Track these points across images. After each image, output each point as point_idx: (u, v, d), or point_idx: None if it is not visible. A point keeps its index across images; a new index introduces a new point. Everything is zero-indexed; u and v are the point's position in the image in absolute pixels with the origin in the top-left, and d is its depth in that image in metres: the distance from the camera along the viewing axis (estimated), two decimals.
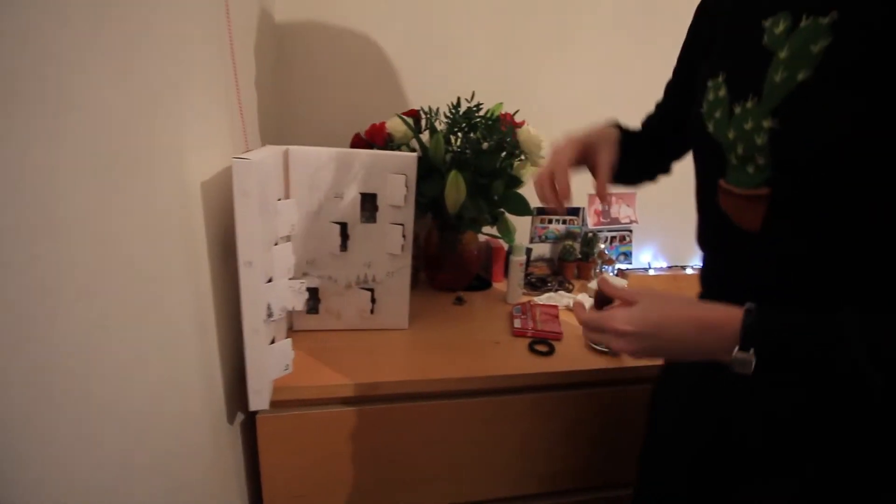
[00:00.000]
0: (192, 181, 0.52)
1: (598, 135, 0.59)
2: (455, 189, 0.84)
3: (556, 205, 0.55)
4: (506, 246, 1.11)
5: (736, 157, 0.45)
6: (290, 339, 0.66)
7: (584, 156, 0.58)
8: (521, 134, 0.92)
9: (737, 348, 0.38)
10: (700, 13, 0.57)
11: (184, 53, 0.50)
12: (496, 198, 0.93)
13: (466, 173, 0.88)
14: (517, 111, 1.00)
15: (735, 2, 0.51)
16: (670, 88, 0.63)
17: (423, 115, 0.96)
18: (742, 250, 0.46)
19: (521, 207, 0.94)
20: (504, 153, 0.93)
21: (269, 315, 0.60)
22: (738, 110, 0.45)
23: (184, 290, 0.50)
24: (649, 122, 0.67)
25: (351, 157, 0.76)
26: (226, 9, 0.61)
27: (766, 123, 0.42)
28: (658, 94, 0.65)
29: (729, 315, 0.39)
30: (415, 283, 1.07)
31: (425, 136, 0.95)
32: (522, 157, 0.94)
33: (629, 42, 1.16)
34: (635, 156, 0.61)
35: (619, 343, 0.44)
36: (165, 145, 0.46)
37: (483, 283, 1.13)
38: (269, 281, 0.61)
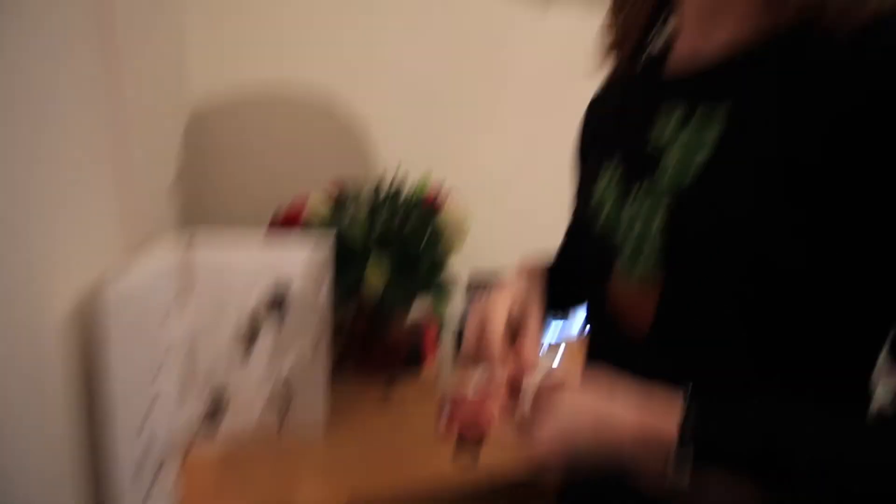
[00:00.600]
0: (56, 294, 0.45)
1: (528, 289, 0.53)
2: (376, 277, 0.81)
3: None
4: (437, 321, 1.09)
5: (628, 246, 0.44)
6: (170, 479, 0.58)
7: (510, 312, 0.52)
8: (445, 217, 0.91)
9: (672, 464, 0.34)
10: (581, 133, 0.59)
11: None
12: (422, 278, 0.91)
13: (390, 252, 0.85)
14: (444, 180, 0.99)
15: (624, 96, 0.52)
16: (571, 223, 0.64)
17: (346, 196, 0.94)
18: (630, 361, 0.44)
19: (449, 294, 0.92)
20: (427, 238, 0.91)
21: (146, 455, 0.52)
22: (632, 195, 0.44)
23: (29, 436, 0.42)
24: (563, 251, 0.66)
25: (257, 249, 0.71)
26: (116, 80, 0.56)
27: (663, 204, 0.41)
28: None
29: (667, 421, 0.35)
30: (339, 373, 1.00)
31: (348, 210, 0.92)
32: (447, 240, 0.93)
33: (555, 107, 1.20)
34: (562, 291, 0.59)
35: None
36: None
37: (414, 360, 1.08)
38: (152, 403, 0.54)
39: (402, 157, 1.06)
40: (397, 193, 0.92)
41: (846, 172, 0.33)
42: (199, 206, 0.97)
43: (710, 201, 0.38)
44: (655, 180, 0.42)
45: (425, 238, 0.91)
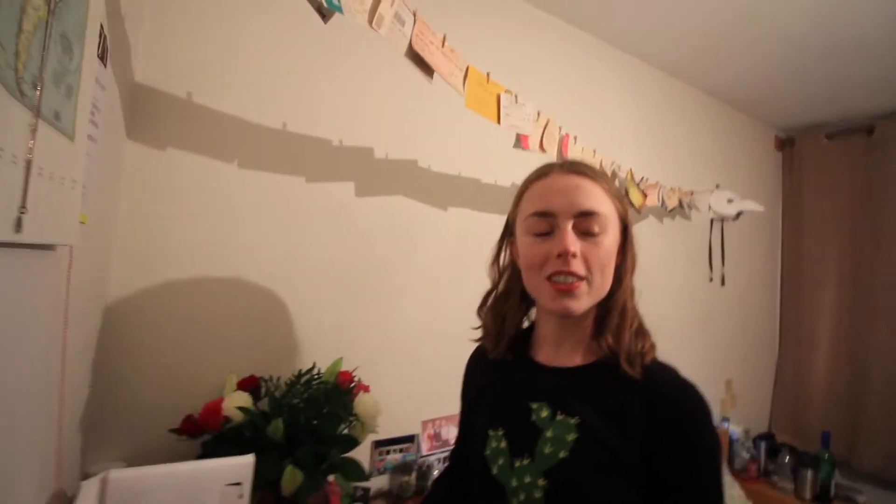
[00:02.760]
0: None
1: None
2: (292, 481, 0.86)
3: None
4: (342, 491, 1.13)
5: (518, 502, 0.58)
6: None
7: None
8: (359, 405, 1.01)
9: None
10: (465, 380, 0.78)
11: None
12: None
13: (305, 451, 0.92)
14: (356, 368, 1.11)
15: (501, 378, 0.70)
16: (458, 447, 0.80)
17: (264, 384, 1.00)
18: None
19: (357, 474, 0.99)
20: (341, 422, 1.00)
21: None
22: (517, 464, 0.60)
23: None
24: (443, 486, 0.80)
25: (175, 475, 0.74)
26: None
27: (541, 482, 0.56)
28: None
29: None
30: None
31: (264, 403, 0.98)
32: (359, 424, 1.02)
33: (448, 288, 1.42)
34: None
35: None
36: None
37: None
38: None
39: (317, 345, 1.16)
40: (316, 379, 1.00)
41: (647, 462, 0.54)
42: (106, 415, 0.93)
43: (573, 484, 0.56)
44: (535, 462, 0.59)
45: (340, 425, 1.00)
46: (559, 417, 0.59)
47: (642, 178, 1.65)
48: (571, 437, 0.57)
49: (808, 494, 1.94)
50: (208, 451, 0.91)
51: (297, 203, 1.18)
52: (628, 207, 0.65)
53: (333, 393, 1.01)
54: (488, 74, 1.06)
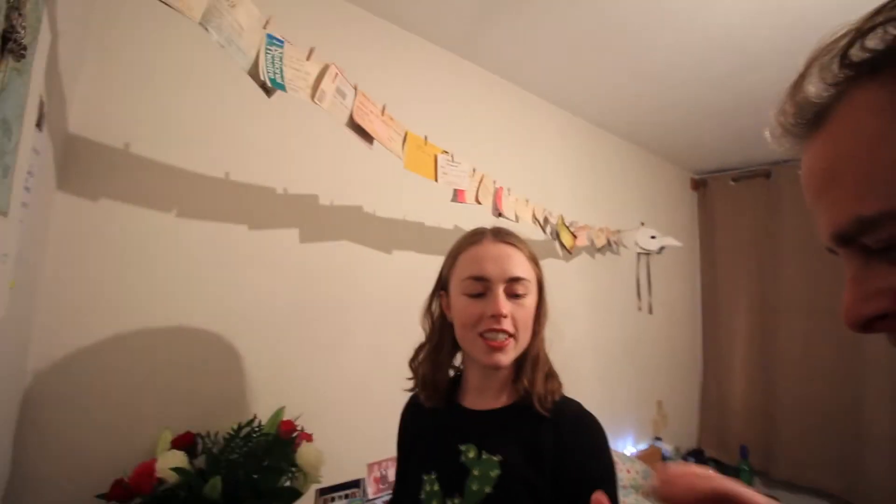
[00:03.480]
0: None
1: None
2: None
3: None
4: None
5: None
6: None
7: None
8: (301, 455, 1.02)
9: None
10: (401, 430, 0.83)
11: None
12: None
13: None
14: (299, 416, 1.11)
15: (435, 425, 0.75)
16: (395, 497, 0.83)
17: (200, 440, 0.98)
18: None
19: None
20: (282, 475, 1.00)
21: None
22: (449, 503, 0.65)
23: None
24: None
25: None
26: None
27: None
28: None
29: None
30: None
31: (202, 460, 0.95)
32: (302, 475, 1.02)
33: (393, 329, 1.45)
34: None
35: None
36: None
37: None
38: None
39: (258, 395, 1.15)
40: (250, 435, 1.00)
41: (556, 484, 0.62)
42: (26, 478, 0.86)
43: None
44: (464, 499, 0.65)
45: (281, 478, 0.99)
46: (484, 457, 0.66)
47: (572, 222, 1.80)
48: (495, 473, 0.64)
49: None
50: None
51: (238, 251, 1.18)
52: (542, 271, 0.75)
53: (274, 445, 1.01)
54: (426, 137, 1.14)
